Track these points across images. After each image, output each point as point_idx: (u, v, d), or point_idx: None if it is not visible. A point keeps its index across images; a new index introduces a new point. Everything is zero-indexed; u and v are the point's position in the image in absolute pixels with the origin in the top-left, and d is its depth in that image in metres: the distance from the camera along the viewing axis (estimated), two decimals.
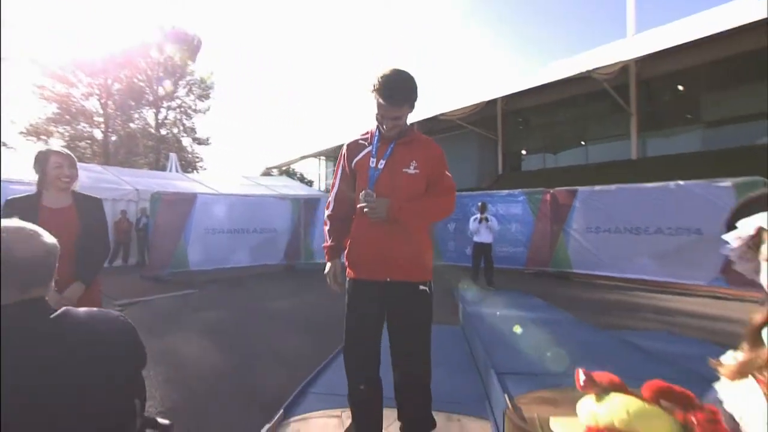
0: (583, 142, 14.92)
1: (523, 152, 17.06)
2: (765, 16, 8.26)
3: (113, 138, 24.89)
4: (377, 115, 1.57)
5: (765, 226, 0.62)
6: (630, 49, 11.28)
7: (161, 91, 25.59)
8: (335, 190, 1.75)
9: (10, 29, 19.12)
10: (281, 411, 2.00)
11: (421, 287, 1.61)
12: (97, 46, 22.68)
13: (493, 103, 15.24)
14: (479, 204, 6.98)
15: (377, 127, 1.64)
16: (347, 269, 1.69)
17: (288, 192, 12.82)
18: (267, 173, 28.92)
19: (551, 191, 8.29)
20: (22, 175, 7.34)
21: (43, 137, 21.87)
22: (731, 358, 0.70)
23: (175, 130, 27.34)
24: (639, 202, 7.05)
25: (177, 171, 15.06)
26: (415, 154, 1.61)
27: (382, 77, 1.49)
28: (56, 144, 21.16)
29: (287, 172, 30.21)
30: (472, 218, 6.92)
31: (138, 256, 10.17)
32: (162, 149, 25.74)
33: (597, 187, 7.72)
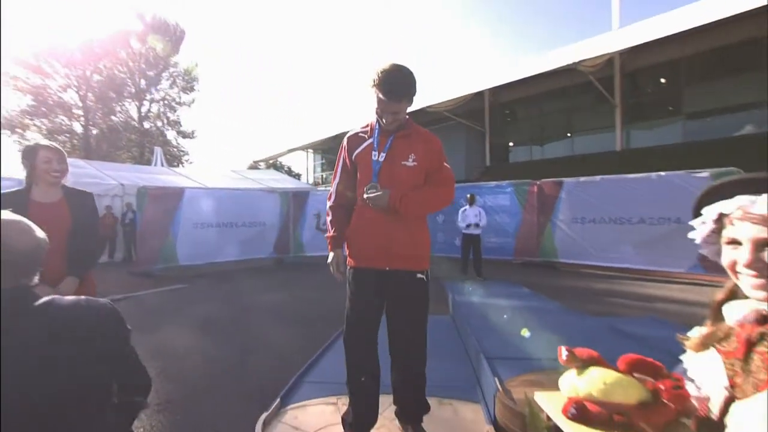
0: (569, 134, 15.13)
1: (511, 144, 17.23)
2: (745, 10, 8.49)
3: (94, 131, 24.24)
4: (377, 109, 1.60)
5: (725, 212, 0.67)
6: (615, 42, 11.46)
7: (143, 83, 24.97)
8: (336, 181, 1.79)
9: None
10: (278, 400, 2.04)
11: (419, 275, 1.67)
12: (73, 35, 21.90)
13: (480, 95, 15.32)
14: (468, 196, 7.07)
15: (377, 120, 1.67)
16: (348, 258, 1.73)
17: (276, 185, 12.74)
18: (254, 167, 28.62)
19: (538, 183, 8.42)
20: None
21: (18, 130, 21.18)
22: (696, 332, 0.76)
23: (159, 124, 26.77)
24: (623, 192, 7.22)
25: (163, 165, 14.81)
26: (413, 147, 1.65)
27: (381, 73, 1.52)
28: (33, 138, 20.53)
29: (274, 165, 29.95)
30: (460, 210, 6.99)
31: (124, 252, 10.02)
32: (146, 143, 25.20)
33: (582, 179, 7.87)
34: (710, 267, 5.83)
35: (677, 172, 6.66)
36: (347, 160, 1.74)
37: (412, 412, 1.74)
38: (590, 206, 7.62)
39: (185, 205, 7.87)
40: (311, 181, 26.90)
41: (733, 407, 0.63)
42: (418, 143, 1.67)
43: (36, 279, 0.93)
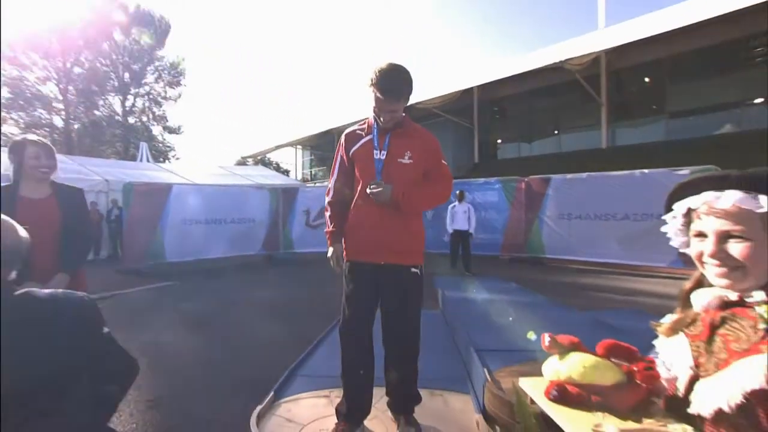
0: (556, 131, 15.35)
1: (499, 141, 17.41)
2: (727, 11, 8.72)
3: (76, 126, 23.64)
4: (375, 108, 1.64)
5: (693, 207, 0.73)
6: (600, 41, 11.66)
7: (127, 77, 24.42)
8: (334, 177, 1.83)
9: None
10: (271, 393, 2.07)
11: (413, 270, 1.72)
12: (51, 25, 21.14)
13: (469, 92, 15.42)
14: (457, 192, 7.14)
15: (374, 118, 1.71)
16: (344, 252, 1.78)
17: (265, 182, 12.65)
18: (242, 162, 28.32)
19: (526, 179, 8.56)
20: None
21: None
22: (668, 319, 0.83)
23: (145, 119, 26.24)
24: (608, 189, 7.39)
25: (148, 161, 14.56)
26: (410, 145, 1.70)
27: (379, 72, 1.57)
28: (10, 132, 19.95)
29: (263, 161, 29.68)
30: (450, 206, 7.06)
31: (110, 249, 9.85)
32: (131, 138, 24.69)
33: (569, 176, 8.03)
34: (690, 261, 6.01)
35: (660, 169, 6.84)
36: (344, 157, 1.78)
37: (404, 404, 1.79)
38: (577, 203, 7.77)
39: (173, 201, 7.78)
40: (300, 177, 26.75)
41: (697, 385, 0.69)
42: (414, 141, 1.72)
43: (14, 274, 0.95)
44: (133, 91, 25.33)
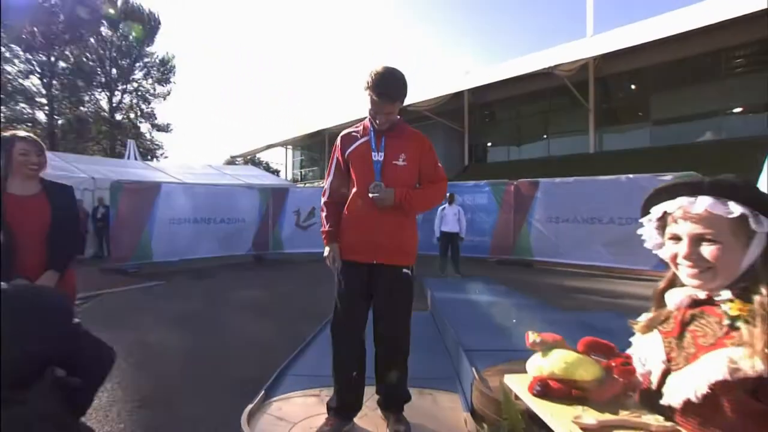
0: (545, 136, 15.59)
1: (489, 144, 17.60)
2: (709, 23, 9.00)
3: (60, 121, 23.12)
4: (371, 110, 1.68)
5: (669, 211, 0.78)
6: (589, 48, 11.91)
7: (115, 73, 23.98)
8: (330, 178, 1.86)
9: None
10: (262, 392, 2.08)
11: (405, 270, 1.76)
12: (35, 18, 20.64)
13: (459, 95, 15.57)
14: (447, 195, 7.21)
15: (370, 120, 1.75)
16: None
17: (255, 181, 12.57)
18: (231, 162, 28.06)
19: (515, 182, 8.68)
20: None
21: None
22: (644, 318, 0.89)
23: (132, 115, 25.80)
24: (594, 193, 7.55)
25: (136, 159, 14.34)
26: (404, 147, 1.75)
27: (375, 75, 1.61)
28: None
29: (252, 161, 29.47)
30: (439, 208, 7.11)
31: (96, 248, 9.67)
32: (117, 135, 24.26)
33: (557, 179, 8.18)
34: None
35: (644, 175, 7.02)
36: (340, 158, 1.82)
37: (394, 402, 1.82)
38: (564, 206, 7.91)
39: (162, 200, 7.69)
40: (290, 177, 26.61)
41: (669, 378, 0.74)
42: (408, 143, 1.77)
43: None
44: (120, 87, 24.89)
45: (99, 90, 24.41)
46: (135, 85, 25.49)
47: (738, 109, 11.51)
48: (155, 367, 2.94)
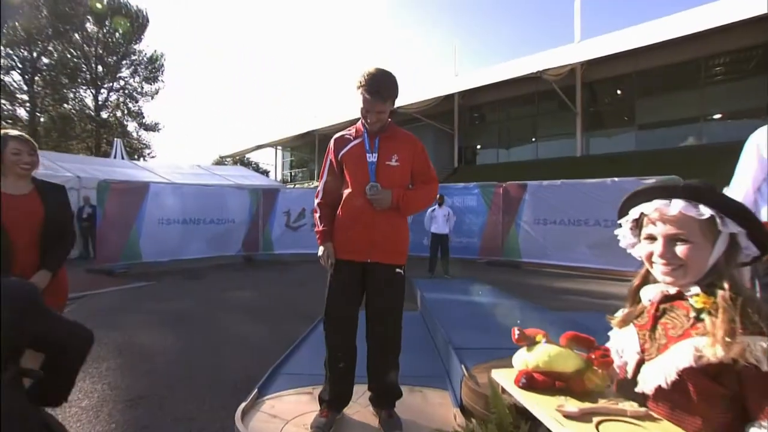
0: (533, 139, 15.83)
1: (478, 146, 17.80)
2: (694, 31, 9.28)
3: (42, 119, 22.59)
4: (362, 109, 1.72)
5: (645, 212, 0.84)
6: (576, 54, 12.15)
7: (101, 70, 23.51)
8: (323, 180, 1.90)
9: None
10: (255, 390, 2.10)
11: (397, 270, 1.81)
12: (15, 12, 20.14)
13: (449, 97, 15.71)
14: (437, 196, 7.28)
15: (362, 123, 1.80)
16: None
17: (245, 182, 12.50)
18: (220, 162, 27.80)
19: (504, 185, 8.81)
20: None
21: None
22: (620, 313, 0.95)
23: (119, 114, 25.34)
24: (581, 196, 7.71)
25: (123, 158, 14.12)
26: (396, 148, 1.80)
27: (367, 75, 1.67)
28: None
29: (241, 161, 29.23)
30: (429, 210, 7.18)
31: (81, 249, 9.49)
32: (103, 134, 23.80)
33: (545, 182, 8.33)
34: None
35: (629, 178, 7.20)
36: (333, 160, 1.86)
37: (385, 398, 1.86)
38: (551, 208, 8.06)
39: (150, 200, 7.61)
40: (280, 178, 26.47)
41: (643, 368, 0.81)
42: (401, 144, 1.82)
43: None
44: (107, 84, 24.43)
45: (84, 87, 23.91)
46: (122, 83, 25.05)
47: (717, 116, 11.89)
48: (145, 366, 2.93)
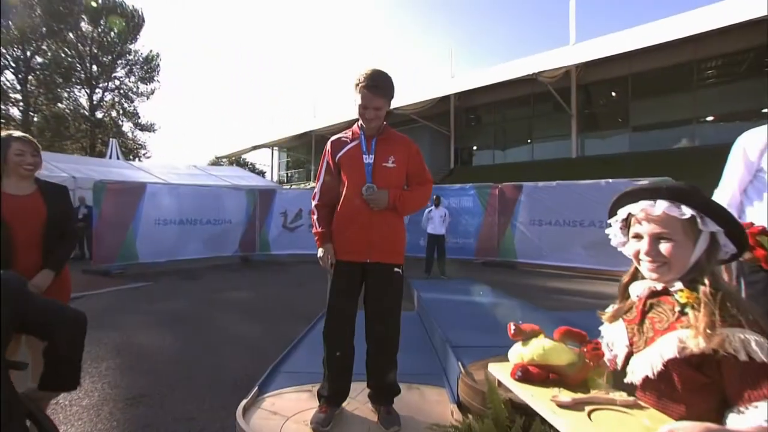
0: (529, 140, 15.94)
1: (474, 148, 17.89)
2: (688, 34, 9.42)
3: (35, 119, 22.41)
4: (360, 106, 1.76)
5: (633, 212, 0.89)
6: (571, 56, 12.27)
7: (95, 69, 23.37)
8: (321, 182, 1.93)
9: None
10: (256, 388, 2.13)
11: (396, 269, 1.85)
12: (9, 11, 19.95)
13: (446, 99, 15.79)
14: (434, 197, 7.33)
15: (359, 126, 1.84)
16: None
17: (241, 182, 12.49)
18: (216, 162, 27.71)
19: (499, 186, 8.88)
20: None
21: None
22: (610, 309, 1.00)
23: (114, 114, 25.20)
24: (576, 197, 7.79)
25: (118, 158, 14.06)
26: (392, 150, 1.84)
27: (366, 72, 1.72)
28: None
29: (238, 161, 29.17)
30: (426, 210, 7.24)
31: (77, 249, 9.44)
32: (98, 134, 23.65)
33: (540, 183, 8.41)
34: None
35: (623, 179, 7.29)
36: (331, 162, 1.89)
37: (384, 395, 1.90)
38: (547, 209, 8.14)
39: (147, 200, 7.61)
40: (276, 179, 26.44)
41: (631, 360, 0.85)
42: (397, 146, 1.86)
43: None
44: (102, 84, 24.28)
45: (78, 87, 23.75)
46: (117, 82, 24.92)
47: (710, 118, 12.05)
48: (145, 366, 2.95)
